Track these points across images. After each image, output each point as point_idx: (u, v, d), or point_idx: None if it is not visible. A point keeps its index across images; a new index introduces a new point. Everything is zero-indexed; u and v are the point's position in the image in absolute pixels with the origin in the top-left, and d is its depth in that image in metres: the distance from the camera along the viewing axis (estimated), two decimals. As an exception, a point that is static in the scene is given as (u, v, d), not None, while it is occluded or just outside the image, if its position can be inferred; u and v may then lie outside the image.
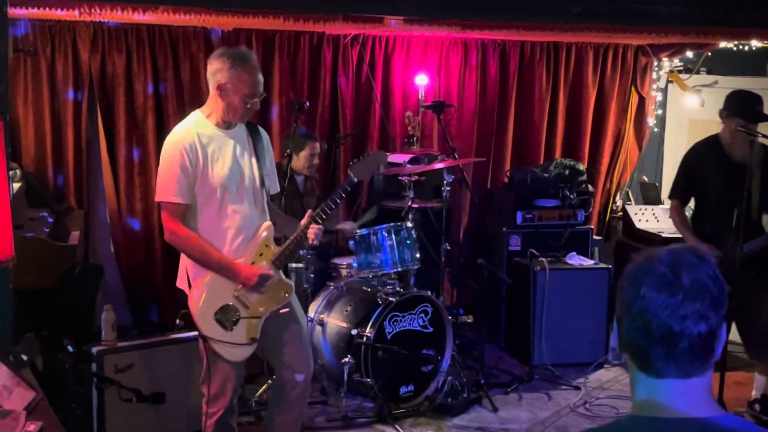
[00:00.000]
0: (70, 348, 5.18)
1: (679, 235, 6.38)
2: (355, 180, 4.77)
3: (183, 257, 4.50)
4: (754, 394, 6.26)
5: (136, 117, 6.74)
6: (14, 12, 5.39)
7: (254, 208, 4.52)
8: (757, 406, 6.21)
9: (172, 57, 6.74)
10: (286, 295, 4.63)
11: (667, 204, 7.67)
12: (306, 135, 6.43)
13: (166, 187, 4.32)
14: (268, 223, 4.60)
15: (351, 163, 4.91)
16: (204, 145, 4.33)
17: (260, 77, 4.42)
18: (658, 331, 1.84)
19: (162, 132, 6.64)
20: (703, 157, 6.00)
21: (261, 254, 4.53)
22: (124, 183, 6.76)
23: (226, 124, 4.42)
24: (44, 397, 3.83)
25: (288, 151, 6.18)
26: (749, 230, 5.77)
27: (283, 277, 4.67)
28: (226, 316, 4.43)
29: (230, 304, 4.43)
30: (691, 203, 6.29)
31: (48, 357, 5.18)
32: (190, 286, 4.44)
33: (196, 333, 4.57)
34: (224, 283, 4.42)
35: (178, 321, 5.85)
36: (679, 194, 6.09)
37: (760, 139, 5.83)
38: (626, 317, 1.89)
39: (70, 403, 5.12)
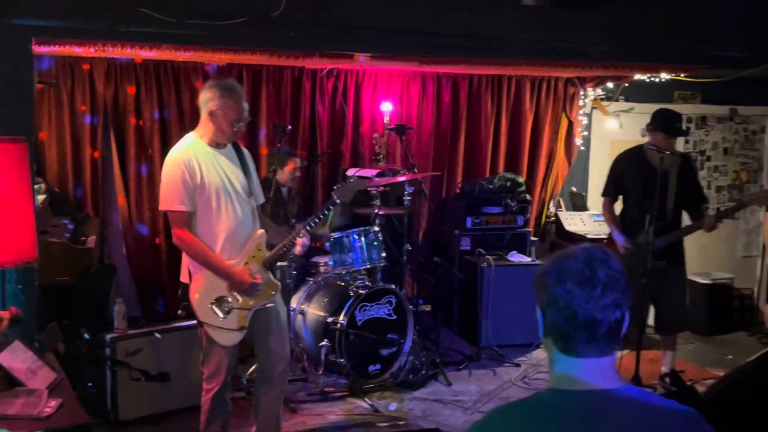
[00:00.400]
0: (86, 336, 5.15)
1: (601, 237, 6.40)
2: (338, 201, 4.75)
3: (185, 256, 4.46)
4: (664, 369, 6.29)
5: (143, 138, 6.69)
6: (38, 49, 5.32)
7: (244, 214, 4.49)
8: (667, 379, 6.23)
9: (175, 88, 6.70)
10: (273, 293, 4.61)
11: (593, 210, 7.72)
12: (289, 153, 6.42)
13: (171, 198, 4.29)
14: (261, 231, 4.58)
15: (335, 187, 4.90)
16: (199, 162, 4.30)
17: (245, 105, 4.40)
18: (582, 320, 1.84)
19: (166, 151, 6.52)
20: (628, 163, 6.07)
21: (253, 256, 4.51)
22: (134, 194, 6.71)
23: (216, 144, 4.40)
24: (65, 378, 3.81)
25: (273, 166, 6.18)
26: (665, 227, 5.82)
27: (272, 277, 4.65)
28: (220, 306, 4.40)
29: (224, 295, 4.41)
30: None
31: (68, 343, 5.13)
32: (191, 279, 4.42)
33: (195, 321, 4.54)
34: (220, 279, 4.40)
35: (180, 312, 5.85)
36: (608, 192, 6.15)
37: (681, 149, 5.89)
38: (553, 309, 1.87)
39: (87, 382, 5.08)
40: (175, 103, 6.70)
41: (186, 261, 4.46)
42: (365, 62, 6.73)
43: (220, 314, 4.39)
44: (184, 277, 4.52)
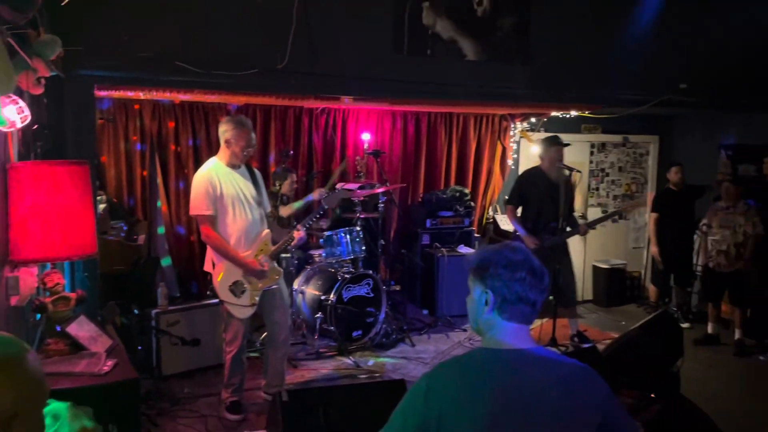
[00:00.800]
0: (136, 311, 5.10)
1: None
2: (327, 207, 4.99)
3: (209, 250, 4.45)
4: (571, 332, 6.30)
5: (180, 161, 6.63)
6: (99, 93, 5.28)
7: (254, 218, 4.52)
8: (576, 339, 6.26)
9: (205, 122, 6.64)
10: (277, 277, 4.64)
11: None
12: (287, 169, 6.37)
13: (199, 205, 4.32)
14: (267, 230, 4.61)
15: (325, 195, 5.01)
16: (219, 178, 4.35)
17: (253, 135, 4.46)
18: (525, 299, 1.86)
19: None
20: (531, 178, 6.06)
21: (261, 249, 4.53)
22: (174, 204, 6.65)
23: (233, 165, 4.42)
24: (120, 344, 3.75)
25: (278, 181, 6.15)
26: (557, 229, 5.86)
27: (276, 265, 4.66)
28: (236, 288, 4.41)
29: (240, 280, 4.40)
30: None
31: (123, 317, 5.07)
32: (214, 268, 4.39)
33: (218, 300, 4.52)
34: (235, 268, 4.39)
35: (208, 292, 5.81)
36: (513, 201, 6.11)
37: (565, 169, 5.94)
38: (506, 290, 1.86)
39: (138, 347, 5.04)
40: (205, 134, 6.64)
41: (210, 254, 4.45)
42: (349, 103, 6.73)
43: (237, 294, 4.39)
44: (207, 267, 4.52)
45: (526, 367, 1.82)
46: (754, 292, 6.58)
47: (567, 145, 5.98)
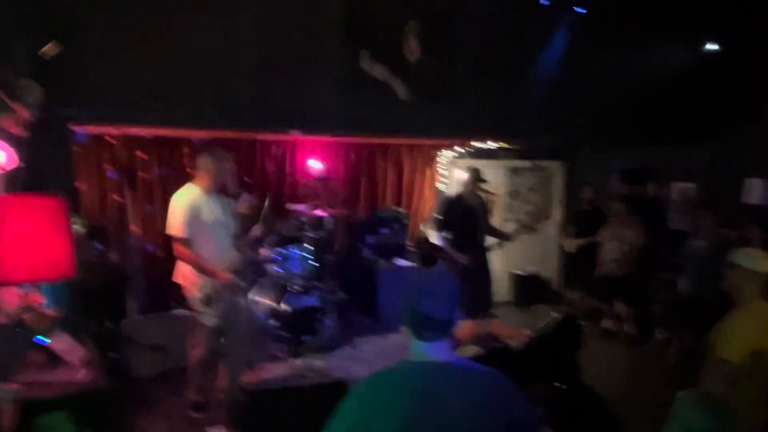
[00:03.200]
0: (107, 323, 5.04)
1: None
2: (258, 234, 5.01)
3: (179, 265, 4.44)
4: (481, 331, 6.37)
5: (149, 187, 6.52)
6: (75, 128, 5.21)
7: (225, 239, 4.55)
8: (488, 339, 6.34)
9: (170, 153, 6.53)
10: (243, 288, 4.73)
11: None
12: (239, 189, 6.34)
13: (176, 226, 4.30)
14: (235, 252, 4.64)
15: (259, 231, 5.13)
16: (196, 202, 4.34)
17: (226, 165, 4.50)
18: (426, 319, 1.88)
19: (166, 196, 6.33)
20: (453, 204, 6.09)
21: (231, 267, 4.54)
22: (143, 225, 6.53)
23: (207, 191, 4.45)
24: (94, 354, 3.70)
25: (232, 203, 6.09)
26: (480, 246, 5.96)
27: (239, 280, 4.68)
28: (207, 299, 4.42)
29: (209, 292, 4.42)
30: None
31: (97, 329, 5.00)
32: (184, 279, 4.37)
33: (182, 311, 4.51)
34: (208, 282, 4.41)
35: (172, 303, 5.76)
36: (441, 226, 6.04)
37: (483, 193, 6.08)
38: (408, 310, 1.91)
39: (111, 354, 4.95)
40: (171, 164, 6.54)
41: (180, 267, 4.42)
42: (297, 135, 6.75)
43: (207, 304, 4.41)
44: (177, 278, 4.52)
45: (443, 378, 1.83)
46: (640, 292, 6.90)
47: (483, 181, 6.10)
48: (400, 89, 5.93)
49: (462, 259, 5.85)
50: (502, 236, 6.20)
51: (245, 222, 6.48)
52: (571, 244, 7.69)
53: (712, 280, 4.76)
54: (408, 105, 5.89)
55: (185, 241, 4.30)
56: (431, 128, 6.21)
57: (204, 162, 4.43)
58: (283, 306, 5.86)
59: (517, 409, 1.86)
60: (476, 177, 6.00)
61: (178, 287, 4.58)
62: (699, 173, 7.50)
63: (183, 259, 4.35)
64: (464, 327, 6.09)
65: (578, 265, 7.59)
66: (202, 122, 5.24)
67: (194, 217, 4.30)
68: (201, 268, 4.35)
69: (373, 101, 5.86)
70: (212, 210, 4.45)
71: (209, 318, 4.43)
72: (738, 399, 2.73)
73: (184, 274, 4.40)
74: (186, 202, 4.31)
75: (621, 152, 8.22)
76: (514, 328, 6.56)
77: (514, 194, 8.90)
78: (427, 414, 1.78)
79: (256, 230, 5.79)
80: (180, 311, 5.25)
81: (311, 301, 6.12)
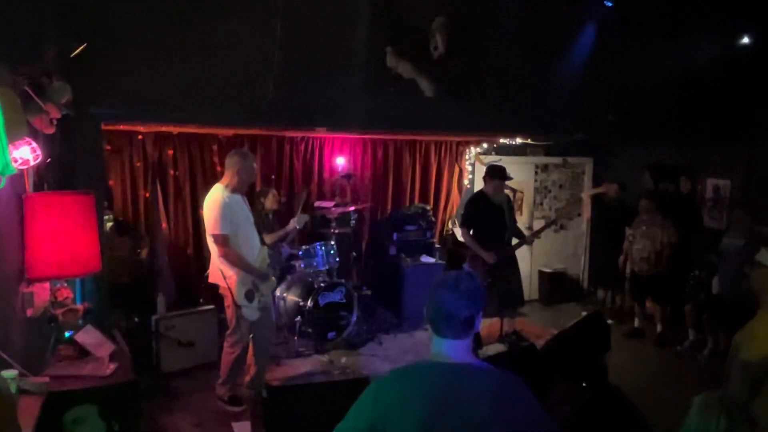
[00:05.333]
0: (137, 319, 5.14)
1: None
2: (298, 227, 5.34)
3: (218, 263, 4.48)
4: (508, 328, 6.32)
5: (178, 184, 6.62)
6: (106, 127, 5.32)
7: (254, 237, 4.67)
8: (513, 336, 6.32)
9: (199, 150, 6.63)
10: (274, 284, 4.87)
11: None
12: (267, 185, 6.39)
13: (216, 225, 4.37)
14: (265, 248, 4.80)
15: (294, 218, 5.23)
16: (228, 201, 4.41)
17: (254, 166, 4.66)
18: (446, 314, 1.91)
19: (195, 192, 6.60)
20: (478, 202, 6.07)
21: (262, 261, 4.67)
22: (173, 221, 6.64)
23: (234, 191, 4.52)
24: (124, 348, 3.77)
25: (261, 198, 6.17)
26: (505, 243, 5.94)
27: (271, 275, 4.83)
28: (249, 294, 4.50)
29: (251, 288, 4.51)
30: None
31: (127, 324, 5.10)
32: (225, 279, 4.42)
33: (210, 307, 4.60)
34: (247, 278, 4.49)
35: (201, 300, 5.86)
36: (466, 224, 6.04)
37: (507, 191, 6.04)
38: (430, 306, 1.95)
39: (141, 348, 5.07)
40: (200, 160, 6.65)
41: (219, 266, 4.47)
42: (324, 132, 6.80)
43: (251, 299, 4.51)
44: (214, 279, 4.57)
45: (460, 379, 1.85)
46: (672, 292, 6.78)
47: (508, 178, 6.04)
48: (426, 86, 5.90)
49: (488, 257, 5.82)
50: (522, 238, 6.15)
51: (272, 218, 6.62)
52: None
53: (746, 280, 4.65)
54: (434, 101, 5.86)
55: (226, 238, 4.38)
56: (458, 124, 6.17)
57: (232, 162, 4.50)
58: (309, 303, 5.90)
59: (530, 414, 1.87)
60: (502, 174, 5.96)
61: (211, 287, 4.65)
62: (734, 170, 7.33)
63: (228, 258, 4.41)
64: (489, 325, 6.10)
65: (607, 263, 7.50)
66: (230, 120, 5.28)
67: (229, 216, 4.38)
68: (243, 264, 4.43)
69: (399, 98, 5.83)
70: (242, 208, 4.56)
71: (252, 312, 4.51)
72: (760, 402, 2.66)
73: (224, 272, 4.45)
74: (221, 201, 4.39)
75: (653, 148, 8.10)
76: (540, 327, 6.54)
77: (542, 191, 8.84)
78: (442, 415, 1.80)
79: (292, 224, 5.89)
80: (207, 308, 5.35)
81: (336, 297, 6.15)
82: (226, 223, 4.35)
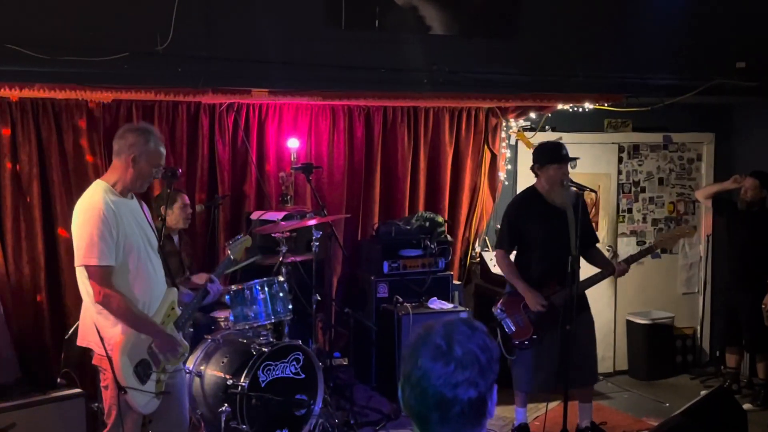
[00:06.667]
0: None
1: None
2: (232, 258, 5.30)
3: (86, 317, 4.46)
4: (582, 423, 6.29)
5: (21, 184, 6.55)
6: None
7: (157, 270, 4.64)
8: None
9: (56, 128, 6.58)
10: (185, 354, 4.74)
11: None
12: (174, 190, 6.36)
13: (92, 251, 4.31)
14: (173, 288, 4.73)
15: (229, 242, 5.37)
16: (115, 210, 4.39)
17: (162, 150, 4.65)
18: (433, 398, 1.91)
19: (46, 198, 6.57)
20: (525, 208, 6.10)
21: (168, 316, 4.64)
22: (12, 248, 6.54)
23: (126, 193, 4.52)
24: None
25: (162, 211, 6.11)
26: (570, 275, 5.78)
27: (182, 338, 4.75)
28: (143, 370, 4.45)
29: (146, 359, 4.46)
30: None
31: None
32: (103, 342, 4.32)
33: (75, 391, 4.54)
34: (141, 341, 4.43)
35: (59, 379, 5.78)
36: (504, 244, 6.13)
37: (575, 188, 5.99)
38: (407, 386, 1.95)
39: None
40: (57, 144, 6.59)
41: (91, 323, 4.42)
42: (265, 97, 6.76)
43: (143, 378, 4.44)
44: (84, 340, 4.54)
45: None
46: None
47: (571, 160, 6.04)
48: (435, 18, 5.89)
49: (533, 300, 5.83)
50: (605, 266, 6.11)
51: (179, 245, 6.54)
52: None
53: None
54: (446, 44, 5.85)
55: (108, 273, 4.34)
56: (484, 81, 6.15)
57: (124, 144, 4.49)
58: (242, 381, 5.82)
59: None
60: (559, 155, 5.92)
61: (78, 356, 4.61)
62: None
63: (111, 306, 4.36)
64: (544, 414, 6.03)
65: (742, 308, 7.46)
66: (102, 77, 5.26)
67: (116, 235, 4.36)
68: (134, 317, 4.39)
69: (388, 38, 5.82)
70: (138, 221, 4.55)
71: (145, 400, 4.46)
72: None
73: (102, 329, 4.36)
74: (101, 210, 4.35)
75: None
76: (631, 417, 6.52)
77: (632, 191, 8.81)
78: None
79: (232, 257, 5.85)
80: (69, 393, 5.27)
81: (289, 372, 6.07)
82: (110, 248, 4.32)
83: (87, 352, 4.58)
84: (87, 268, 4.34)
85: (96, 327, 4.38)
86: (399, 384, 1.99)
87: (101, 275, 4.31)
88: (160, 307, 4.58)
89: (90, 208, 4.38)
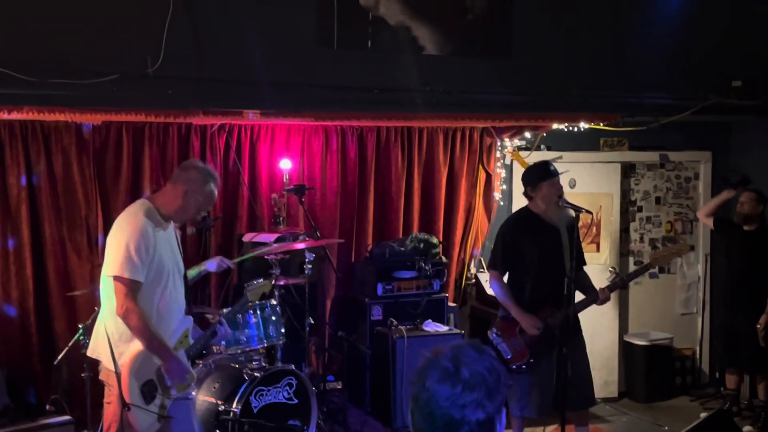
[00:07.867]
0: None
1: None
2: (250, 302, 5.53)
3: (100, 329, 4.55)
4: None
5: (9, 207, 6.55)
6: None
7: (180, 296, 4.76)
8: None
9: (45, 150, 6.58)
10: (191, 384, 4.85)
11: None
12: None
13: (125, 264, 4.41)
14: (189, 317, 4.85)
15: (247, 285, 5.54)
16: (155, 233, 4.51)
17: (216, 194, 4.86)
18: (441, 420, 1.94)
19: (35, 221, 6.57)
20: (520, 228, 6.09)
21: (181, 342, 4.73)
22: (0, 272, 6.56)
23: (169, 219, 4.68)
24: None
25: None
26: (565, 297, 5.79)
27: (190, 366, 4.85)
28: (149, 391, 4.51)
29: (152, 379, 4.53)
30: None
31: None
32: (113, 357, 4.38)
33: (64, 418, 4.55)
34: (151, 362, 4.51)
35: (48, 406, 5.77)
36: (498, 265, 6.12)
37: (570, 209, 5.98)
38: (416, 409, 1.99)
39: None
40: (46, 166, 6.58)
41: (102, 335, 4.50)
42: (256, 118, 6.77)
43: (148, 399, 4.50)
44: (93, 352, 4.67)
45: None
46: None
47: (557, 174, 6.00)
48: (428, 38, 5.92)
49: (529, 324, 5.85)
50: (590, 292, 6.12)
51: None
52: None
53: None
54: (438, 63, 5.88)
55: (136, 288, 4.43)
56: (477, 101, 6.17)
57: (184, 177, 4.69)
58: (234, 407, 5.81)
59: None
60: (547, 171, 5.93)
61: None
62: None
63: (130, 321, 4.43)
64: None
65: (741, 329, 7.48)
66: (91, 100, 5.31)
67: (152, 254, 4.49)
68: (150, 337, 4.45)
69: (380, 58, 5.85)
70: (172, 248, 4.72)
71: (147, 420, 4.49)
72: None
73: (114, 343, 4.42)
74: (142, 227, 4.48)
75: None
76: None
77: (629, 210, 8.83)
78: None
79: (218, 264, 5.92)
80: (57, 420, 5.24)
81: (281, 397, 6.06)
82: (143, 264, 4.43)
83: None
84: (117, 278, 4.43)
85: (110, 340, 4.44)
86: (409, 409, 2.02)
87: (128, 289, 4.41)
88: (177, 335, 4.68)
89: (132, 222, 4.51)
